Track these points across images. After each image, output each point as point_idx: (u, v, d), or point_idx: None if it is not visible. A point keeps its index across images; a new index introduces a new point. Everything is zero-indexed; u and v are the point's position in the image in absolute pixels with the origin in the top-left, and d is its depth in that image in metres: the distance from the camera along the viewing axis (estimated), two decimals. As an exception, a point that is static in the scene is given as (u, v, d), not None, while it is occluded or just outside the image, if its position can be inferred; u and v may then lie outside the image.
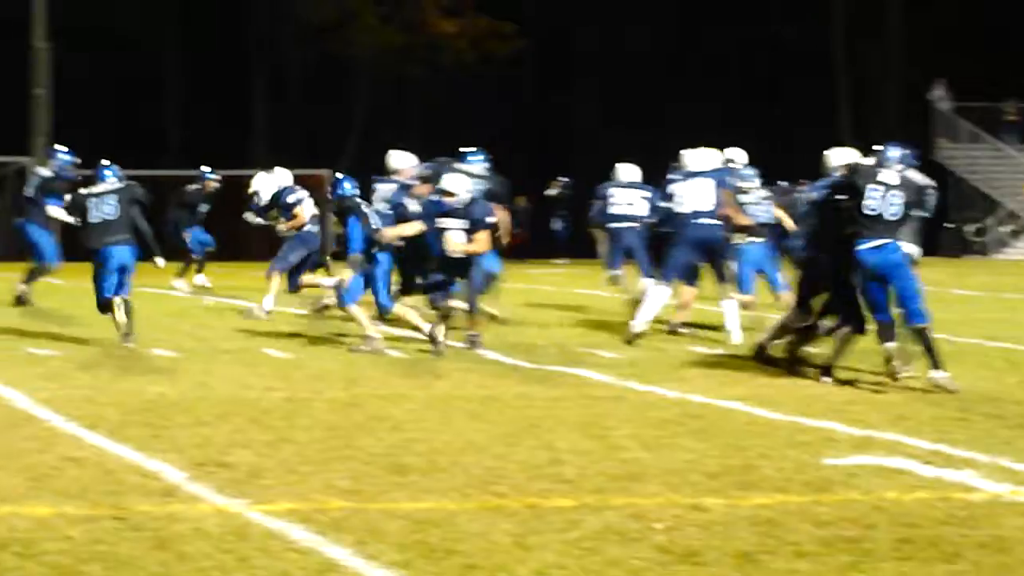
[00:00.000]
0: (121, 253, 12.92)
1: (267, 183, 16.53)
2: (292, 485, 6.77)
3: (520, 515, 6.22)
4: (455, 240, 12.40)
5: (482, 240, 12.53)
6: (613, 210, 15.93)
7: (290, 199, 15.89)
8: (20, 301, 16.87)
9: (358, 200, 12.85)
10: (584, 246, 31.45)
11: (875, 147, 11.16)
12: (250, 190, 16.91)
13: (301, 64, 46.38)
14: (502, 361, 11.97)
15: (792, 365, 11.17)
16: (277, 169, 17.03)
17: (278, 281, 15.54)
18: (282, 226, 15.87)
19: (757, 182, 15.23)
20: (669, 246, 13.80)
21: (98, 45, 43.69)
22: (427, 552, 5.53)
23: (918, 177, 11.28)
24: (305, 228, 15.81)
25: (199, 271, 20.96)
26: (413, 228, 12.86)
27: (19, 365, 11.01)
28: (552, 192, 36.60)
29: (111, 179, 13.59)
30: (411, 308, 12.79)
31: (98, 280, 12.86)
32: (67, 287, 21.00)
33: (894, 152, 10.84)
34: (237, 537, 5.72)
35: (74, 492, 6.49)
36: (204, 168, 22.56)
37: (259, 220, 16.92)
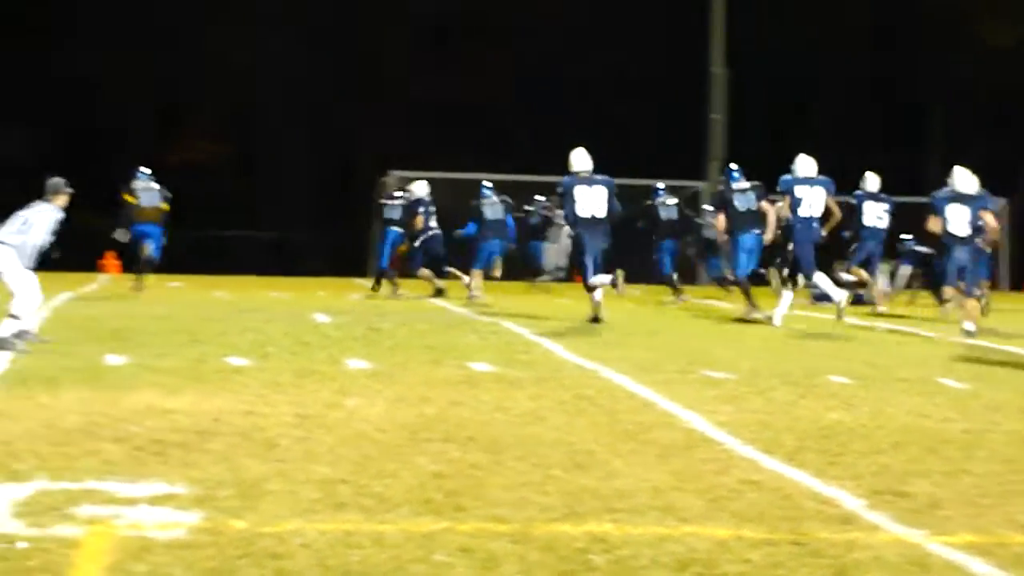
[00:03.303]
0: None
1: None
2: (971, 518, 6.53)
3: None
4: None
5: None
6: None
7: None
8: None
9: None
10: None
11: None
12: None
13: (981, 89, 45.57)
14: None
15: None
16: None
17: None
18: None
19: None
20: None
21: (760, 69, 44.50)
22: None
23: None
24: None
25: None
26: None
27: (696, 387, 11.20)
28: None
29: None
30: None
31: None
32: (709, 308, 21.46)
33: None
34: (917, 568, 5.57)
35: (752, 515, 6.50)
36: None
37: None
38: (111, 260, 35.66)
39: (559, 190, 17.87)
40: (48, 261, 13.97)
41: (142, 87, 49.60)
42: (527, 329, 16.07)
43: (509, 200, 25.72)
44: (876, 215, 22.17)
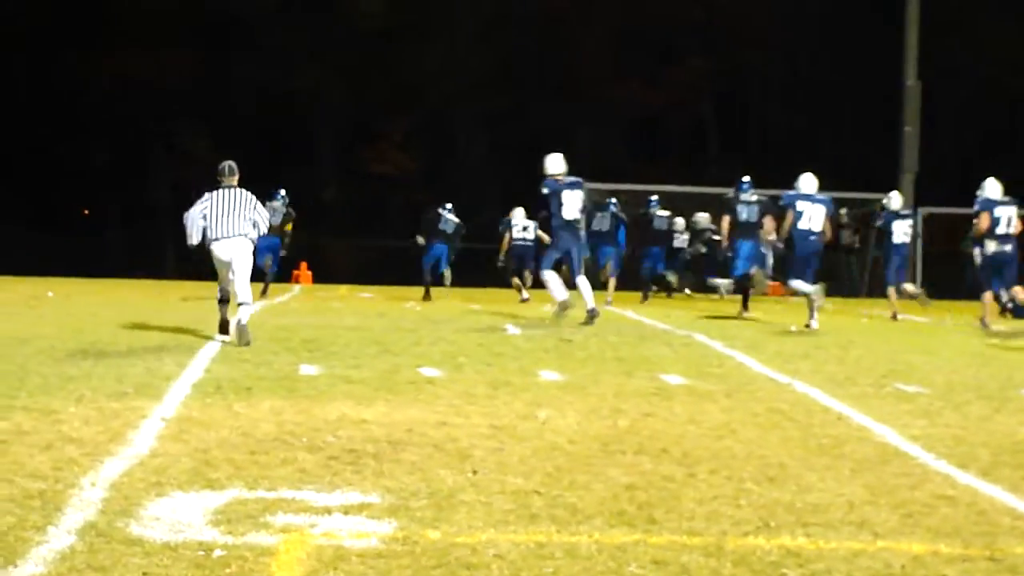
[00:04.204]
0: None
1: None
2: None
3: None
4: None
5: None
6: None
7: None
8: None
9: None
10: None
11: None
12: None
13: None
14: None
15: None
16: None
17: None
18: None
19: None
20: None
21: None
22: None
23: None
24: None
25: None
26: None
27: (890, 401, 11.03)
28: None
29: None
30: None
31: None
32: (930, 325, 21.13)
33: None
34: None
35: (947, 531, 6.40)
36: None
37: None
38: (305, 271, 36.32)
39: (544, 191, 18.94)
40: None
41: (338, 98, 50.47)
42: (719, 342, 15.97)
43: (621, 214, 28.19)
44: (903, 231, 23.74)
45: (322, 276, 36.83)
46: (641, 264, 29.41)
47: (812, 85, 49.05)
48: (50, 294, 25.03)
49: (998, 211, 20.20)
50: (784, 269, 21.82)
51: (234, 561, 5.61)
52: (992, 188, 20.41)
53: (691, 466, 7.85)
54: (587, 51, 51.09)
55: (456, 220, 27.96)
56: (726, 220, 22.14)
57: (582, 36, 51.27)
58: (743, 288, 22.22)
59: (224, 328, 15.27)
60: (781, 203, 20.26)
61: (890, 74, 38.98)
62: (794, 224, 19.64)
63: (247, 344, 14.25)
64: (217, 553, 5.70)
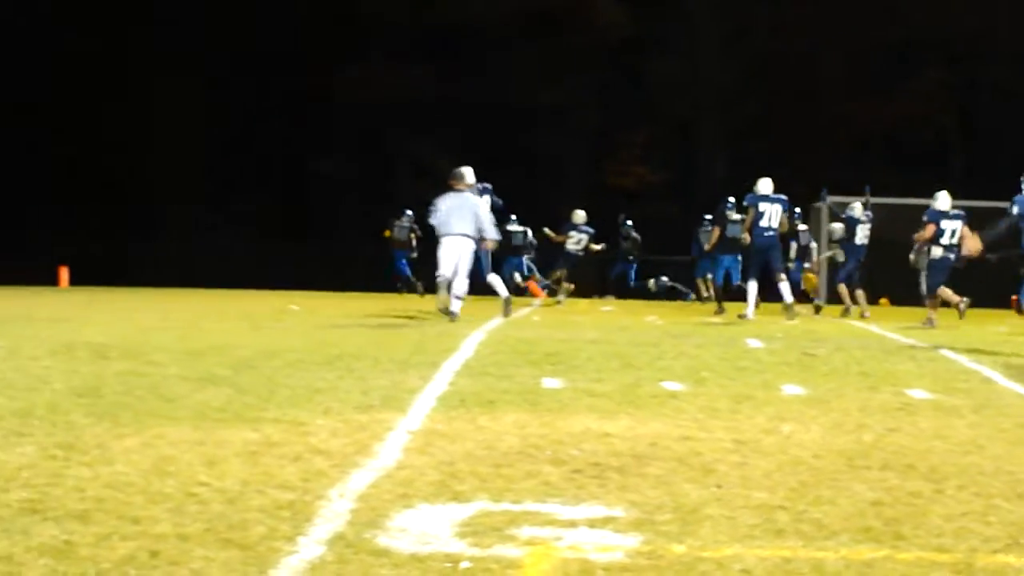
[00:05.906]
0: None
1: None
2: None
3: None
4: None
5: None
6: None
7: None
8: None
9: None
10: None
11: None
12: None
13: None
14: None
15: None
16: None
17: None
18: None
19: None
20: None
21: None
22: None
23: None
24: None
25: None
26: None
27: None
28: None
29: None
30: None
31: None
32: None
33: None
34: None
35: None
36: None
37: None
38: (533, 284, 36.52)
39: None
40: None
41: (581, 111, 50.71)
42: (965, 356, 15.63)
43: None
44: (864, 235, 26.47)
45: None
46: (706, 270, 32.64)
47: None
48: (294, 307, 25.62)
49: (944, 223, 22.50)
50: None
51: (480, 573, 5.66)
52: (943, 201, 22.64)
53: (938, 482, 7.69)
54: (828, 62, 50.50)
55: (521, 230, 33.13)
56: (716, 232, 27.58)
57: (824, 47, 50.70)
58: (719, 294, 26.68)
59: (445, 310, 19.76)
60: (744, 204, 23.34)
61: None
62: (755, 222, 22.65)
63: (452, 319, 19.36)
64: (464, 565, 5.77)
